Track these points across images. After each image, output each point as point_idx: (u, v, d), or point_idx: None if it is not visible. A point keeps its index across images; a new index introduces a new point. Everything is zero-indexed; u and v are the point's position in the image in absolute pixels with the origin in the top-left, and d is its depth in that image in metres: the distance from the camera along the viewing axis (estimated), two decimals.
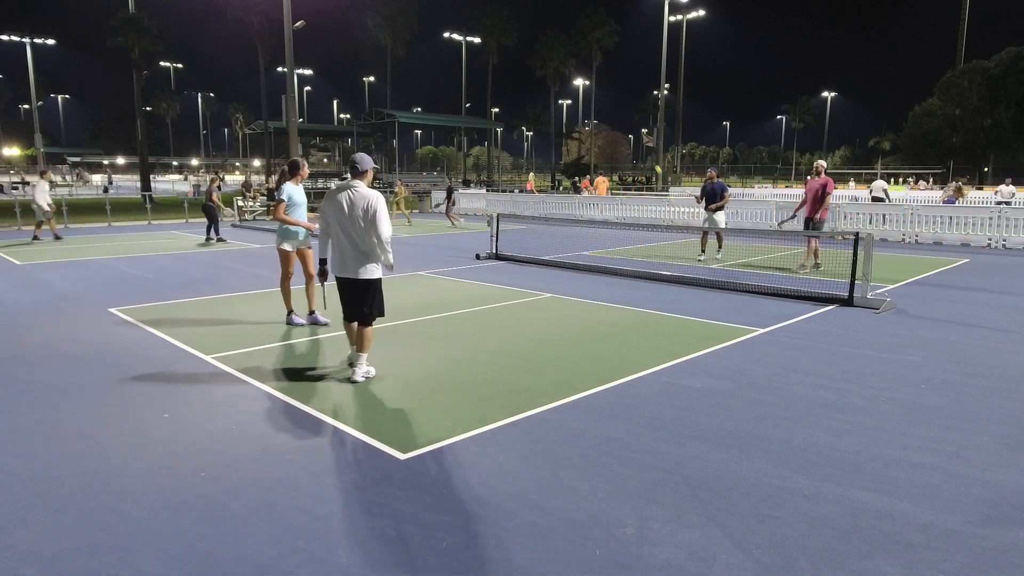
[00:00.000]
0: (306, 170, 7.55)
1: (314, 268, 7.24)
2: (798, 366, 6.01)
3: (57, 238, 16.69)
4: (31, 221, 17.13)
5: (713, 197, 13.27)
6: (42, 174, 17.62)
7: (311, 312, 7.59)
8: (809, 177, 12.72)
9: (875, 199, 21.72)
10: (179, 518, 3.34)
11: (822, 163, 12.18)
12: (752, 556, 3.02)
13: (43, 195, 16.44)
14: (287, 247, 7.44)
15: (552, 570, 2.91)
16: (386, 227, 5.23)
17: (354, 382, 5.39)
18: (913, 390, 5.37)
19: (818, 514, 3.39)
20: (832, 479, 3.78)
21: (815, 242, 11.95)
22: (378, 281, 5.40)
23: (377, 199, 5.23)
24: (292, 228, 7.35)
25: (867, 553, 3.05)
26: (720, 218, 13.33)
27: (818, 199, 11.60)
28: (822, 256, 12.03)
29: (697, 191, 15.75)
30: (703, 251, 13.50)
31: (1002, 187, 25.76)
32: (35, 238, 16.48)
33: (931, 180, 48.82)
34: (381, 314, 5.49)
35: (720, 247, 13.60)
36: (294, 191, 7.34)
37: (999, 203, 22.06)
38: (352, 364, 5.61)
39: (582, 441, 4.30)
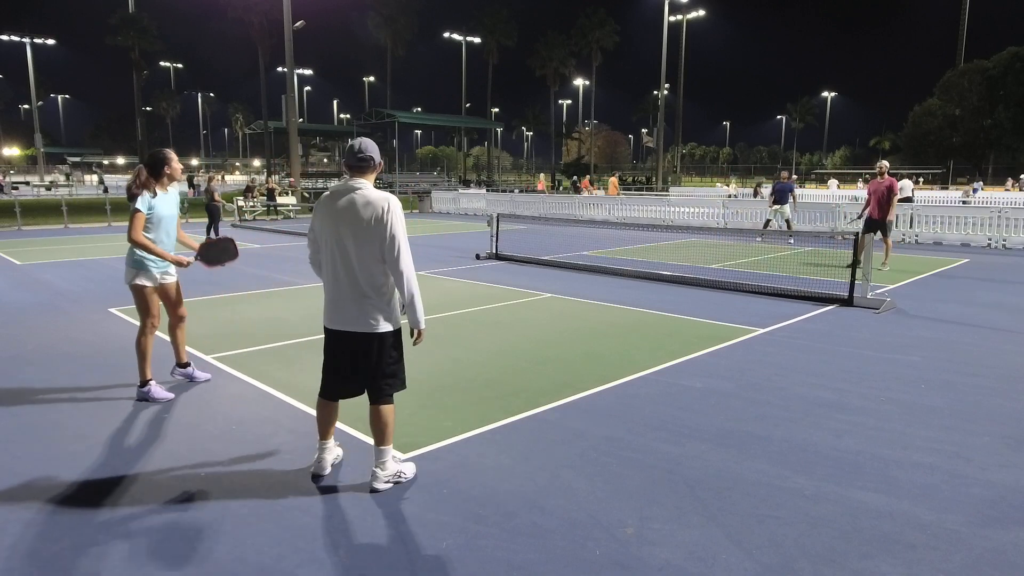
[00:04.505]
0: (176, 167, 5.09)
1: (182, 302, 5.40)
2: (798, 366, 6.02)
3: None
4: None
5: (783, 193, 16.38)
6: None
7: (185, 365, 5.48)
8: (866, 178, 13.02)
9: (905, 199, 21.08)
10: (179, 518, 3.34)
11: (886, 164, 12.23)
12: (752, 556, 3.02)
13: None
14: (145, 282, 5.08)
15: (552, 570, 2.91)
16: (404, 257, 3.48)
17: (375, 491, 3.61)
18: (913, 390, 5.37)
19: (818, 514, 3.40)
20: (832, 479, 3.78)
21: (889, 241, 12.17)
22: (392, 335, 3.61)
23: (391, 208, 3.46)
24: (149, 257, 5.00)
25: (867, 553, 3.05)
26: (787, 210, 16.41)
27: (884, 200, 11.66)
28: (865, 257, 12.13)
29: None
30: (791, 237, 16.30)
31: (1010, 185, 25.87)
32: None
33: (923, 179, 48.80)
34: (402, 385, 3.71)
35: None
36: (158, 202, 4.95)
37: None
38: (376, 466, 3.68)
39: (582, 441, 4.30)
